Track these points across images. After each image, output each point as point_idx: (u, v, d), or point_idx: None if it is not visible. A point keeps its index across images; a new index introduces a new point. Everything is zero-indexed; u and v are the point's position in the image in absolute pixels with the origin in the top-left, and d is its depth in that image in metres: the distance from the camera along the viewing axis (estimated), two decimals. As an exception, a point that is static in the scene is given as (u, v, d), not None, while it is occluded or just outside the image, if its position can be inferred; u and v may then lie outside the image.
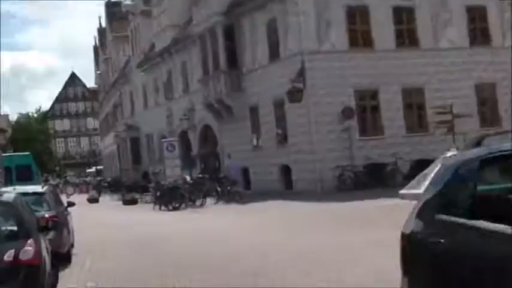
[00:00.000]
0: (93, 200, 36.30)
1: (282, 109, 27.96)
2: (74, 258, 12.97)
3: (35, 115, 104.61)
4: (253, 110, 30.40)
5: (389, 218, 15.34)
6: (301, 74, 25.60)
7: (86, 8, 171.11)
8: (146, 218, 22.32)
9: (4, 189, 13.36)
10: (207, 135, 36.48)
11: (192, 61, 36.60)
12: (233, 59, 31.23)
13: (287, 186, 27.82)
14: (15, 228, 7.61)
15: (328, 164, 25.68)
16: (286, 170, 28.09)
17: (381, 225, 14.19)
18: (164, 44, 39.82)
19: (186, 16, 37.57)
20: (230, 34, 31.19)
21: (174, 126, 39.41)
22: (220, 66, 31.46)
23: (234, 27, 31.17)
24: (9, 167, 23.76)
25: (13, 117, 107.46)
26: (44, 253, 7.89)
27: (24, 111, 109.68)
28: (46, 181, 61.00)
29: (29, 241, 7.42)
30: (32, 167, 26.17)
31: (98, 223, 21.00)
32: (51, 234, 10.12)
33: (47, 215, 11.77)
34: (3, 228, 7.73)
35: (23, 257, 7.26)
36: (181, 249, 13.02)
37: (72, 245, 13.96)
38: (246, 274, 9.76)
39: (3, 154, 23.39)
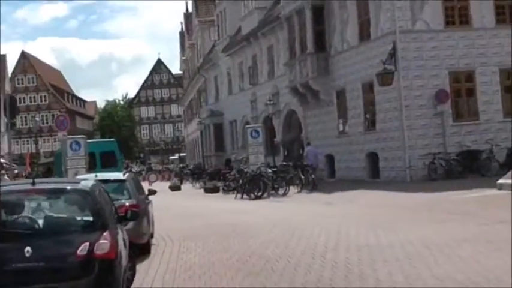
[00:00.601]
0: (175, 188, 36.13)
1: (370, 93, 26.83)
2: (153, 249, 12.45)
3: (121, 102, 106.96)
4: (340, 94, 29.38)
5: (490, 211, 14.17)
6: (392, 55, 24.35)
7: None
8: (228, 206, 21.71)
9: (85, 176, 13.02)
10: (292, 121, 35.77)
11: (278, 44, 35.93)
12: (321, 41, 30.26)
13: (374, 175, 26.75)
14: (91, 218, 7.02)
15: (419, 152, 24.57)
16: (373, 158, 26.99)
17: (482, 219, 13.02)
18: (251, 27, 39.24)
19: (273, -2, 36.99)
20: (318, 15, 30.19)
21: (258, 112, 38.94)
22: (307, 48, 30.51)
23: (322, 7, 30.11)
24: (93, 153, 23.56)
25: (101, 105, 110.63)
26: (121, 246, 7.28)
27: (111, 99, 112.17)
28: (127, 168, 62.04)
29: (104, 233, 6.83)
30: (116, 154, 26.02)
31: (179, 212, 20.54)
32: (130, 224, 9.55)
33: (127, 204, 11.35)
34: (78, 218, 7.17)
35: (98, 250, 6.68)
36: (266, 243, 12.25)
37: (152, 235, 13.47)
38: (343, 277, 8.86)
39: (88, 140, 23.18)
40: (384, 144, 25.91)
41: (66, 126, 23.90)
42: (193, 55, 62.17)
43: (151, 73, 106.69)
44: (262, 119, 37.48)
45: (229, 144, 45.79)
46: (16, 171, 59.56)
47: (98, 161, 24.15)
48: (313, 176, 25.21)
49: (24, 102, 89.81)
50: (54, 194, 7.35)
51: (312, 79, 30.44)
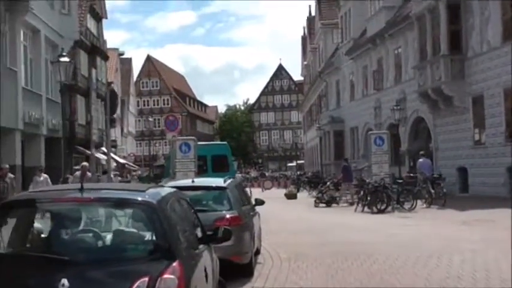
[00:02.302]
0: (290, 196, 34.27)
1: (514, 99, 23.66)
2: (257, 270, 10.42)
3: (242, 107, 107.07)
4: (477, 100, 26.20)
5: None
6: (544, 56, 21.22)
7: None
8: (347, 221, 19.41)
9: (178, 182, 11.25)
10: (419, 129, 32.87)
11: (406, 46, 33.23)
12: (456, 42, 27.16)
13: (516, 192, 23.50)
14: (154, 243, 5.01)
15: None
16: (514, 172, 23.76)
17: None
18: (377, 28, 36.68)
19: (403, -4, 34.41)
20: (454, 13, 27.15)
21: (382, 119, 36.32)
22: (440, 50, 27.59)
23: (459, 5, 27.01)
24: (204, 156, 22.10)
25: (222, 110, 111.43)
26: (198, 280, 5.25)
27: (232, 104, 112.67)
28: (247, 173, 60.87)
29: (173, 264, 4.80)
30: (228, 158, 24.34)
31: (292, 225, 18.43)
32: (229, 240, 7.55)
33: (228, 216, 9.57)
34: (137, 242, 5.14)
35: (161, 289, 4.66)
36: (393, 270, 9.98)
37: (258, 251, 11.52)
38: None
39: (199, 142, 21.67)
40: (530, 158, 22.74)
41: (176, 127, 22.54)
42: (314, 59, 60.29)
43: (271, 79, 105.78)
44: (386, 126, 34.80)
45: (350, 152, 43.32)
46: (139, 172, 60.06)
47: (209, 164, 22.61)
48: (445, 190, 22.45)
49: (147, 105, 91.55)
50: (107, 206, 5.33)
51: (445, 84, 27.52)
